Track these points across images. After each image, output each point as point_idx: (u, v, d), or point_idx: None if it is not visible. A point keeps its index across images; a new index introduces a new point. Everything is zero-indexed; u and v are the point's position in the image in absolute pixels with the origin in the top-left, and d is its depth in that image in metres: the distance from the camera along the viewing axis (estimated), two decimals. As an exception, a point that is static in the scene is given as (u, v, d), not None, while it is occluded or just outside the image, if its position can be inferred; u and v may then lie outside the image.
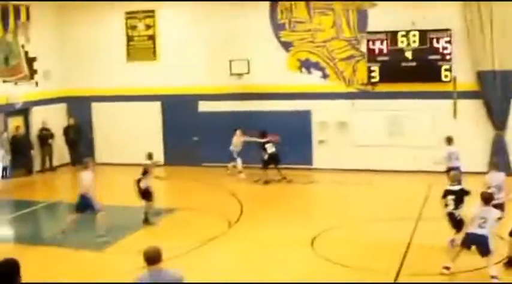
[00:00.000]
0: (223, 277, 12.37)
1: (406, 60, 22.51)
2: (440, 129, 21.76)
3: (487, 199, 11.97)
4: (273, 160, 21.92)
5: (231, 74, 23.99)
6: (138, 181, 16.94)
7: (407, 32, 22.35)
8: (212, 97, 24.64)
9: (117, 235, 15.56)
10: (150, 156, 18.12)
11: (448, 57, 22.10)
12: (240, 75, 23.94)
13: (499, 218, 12.56)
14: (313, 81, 23.72)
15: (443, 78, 22.18)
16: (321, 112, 23.57)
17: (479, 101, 22.15)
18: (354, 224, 16.35)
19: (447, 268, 12.13)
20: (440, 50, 22.18)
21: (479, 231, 11.74)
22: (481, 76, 21.98)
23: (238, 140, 22.76)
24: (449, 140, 18.45)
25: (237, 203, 18.39)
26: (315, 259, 13.63)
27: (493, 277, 11.68)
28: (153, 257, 7.89)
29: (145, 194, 16.94)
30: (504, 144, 21.94)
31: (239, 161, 22.59)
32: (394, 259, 13.30)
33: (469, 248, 11.99)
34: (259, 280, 12.06)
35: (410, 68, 22.46)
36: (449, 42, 22.06)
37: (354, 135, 23.25)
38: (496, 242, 12.40)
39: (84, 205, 15.42)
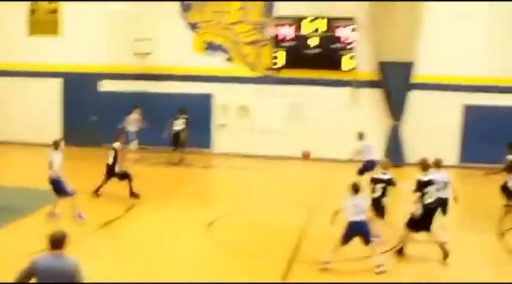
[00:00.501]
0: (114, 264, 12.04)
1: (311, 47, 22.59)
2: (340, 116, 21.98)
3: (356, 189, 12.06)
4: (175, 139, 21.59)
5: (135, 54, 23.49)
6: (112, 166, 16.47)
7: (314, 19, 22.39)
8: (115, 77, 24.10)
9: (9, 218, 14.77)
10: (118, 138, 17.25)
11: (351, 46, 22.28)
12: (144, 55, 23.48)
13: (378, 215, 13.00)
14: (217, 64, 23.51)
15: (345, 67, 22.38)
16: (223, 95, 23.43)
17: (379, 91, 22.44)
18: (251, 209, 16.29)
19: (327, 262, 12.08)
20: (344, 39, 22.34)
21: (358, 218, 11.81)
22: (382, 66, 22.27)
23: (133, 119, 22.22)
24: (360, 135, 18.52)
25: (136, 185, 17.94)
26: (210, 244, 13.46)
27: (379, 266, 11.80)
28: (56, 241, 7.46)
29: (124, 176, 16.54)
30: (399, 134, 22.29)
31: (134, 142, 22.08)
32: (288, 245, 13.32)
33: (352, 238, 11.99)
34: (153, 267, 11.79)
35: (314, 55, 22.61)
36: (353, 31, 22.23)
37: (255, 120, 23.22)
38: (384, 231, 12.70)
39: (54, 190, 14.54)
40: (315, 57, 22.55)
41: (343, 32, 22.38)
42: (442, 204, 12.97)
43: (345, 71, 22.44)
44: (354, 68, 22.41)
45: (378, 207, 13.21)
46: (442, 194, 13.00)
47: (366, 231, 11.74)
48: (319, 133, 22.49)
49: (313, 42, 22.56)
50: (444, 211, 13.45)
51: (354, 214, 11.74)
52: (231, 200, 17.35)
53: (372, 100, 22.64)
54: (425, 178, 12.58)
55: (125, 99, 23.35)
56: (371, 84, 22.54)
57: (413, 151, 21.66)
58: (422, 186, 12.44)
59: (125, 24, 23.69)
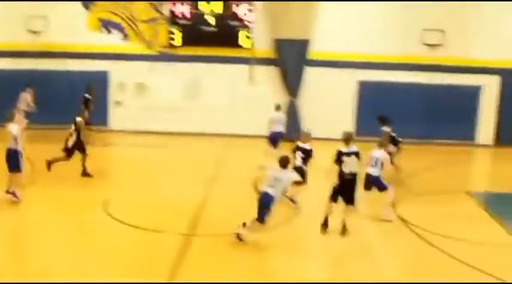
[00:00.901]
0: (10, 245, 11.70)
1: (208, 24, 22.59)
2: (237, 93, 22.13)
3: (283, 162, 12.21)
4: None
5: (28, 31, 22.79)
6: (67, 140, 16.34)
7: (211, -5, 22.44)
8: (7, 54, 23.25)
9: None
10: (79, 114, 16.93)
11: (248, 24, 22.44)
12: (37, 32, 22.82)
13: (298, 182, 13.18)
14: (113, 41, 23.11)
15: (242, 44, 22.52)
16: (119, 73, 23.10)
17: (276, 68, 22.72)
18: (149, 186, 16.14)
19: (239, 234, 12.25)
20: (241, 16, 22.46)
21: (270, 191, 11.99)
22: (278, 44, 22.53)
23: (25, 98, 21.50)
24: (277, 107, 19.03)
25: (28, 165, 17.39)
26: (109, 222, 13.23)
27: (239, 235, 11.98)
28: None
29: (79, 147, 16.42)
30: (297, 110, 22.65)
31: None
32: (185, 220, 13.30)
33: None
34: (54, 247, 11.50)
35: (211, 32, 22.64)
36: (250, 9, 22.38)
37: (152, 97, 23.00)
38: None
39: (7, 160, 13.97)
40: (212, 35, 22.59)
41: (240, 10, 22.51)
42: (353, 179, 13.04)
43: (242, 48, 22.59)
44: (251, 46, 22.59)
45: (300, 174, 13.51)
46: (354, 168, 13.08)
47: (266, 203, 11.88)
48: (216, 109, 22.59)
49: (210, 19, 22.57)
50: (380, 188, 13.82)
51: (267, 186, 11.94)
52: (128, 177, 17.14)
53: (269, 77, 22.90)
54: (345, 150, 12.89)
55: (17, 78, 22.57)
56: (268, 61, 22.80)
57: (310, 126, 22.01)
58: (340, 156, 12.77)
59: (18, 1, 22.92)
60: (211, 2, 22.47)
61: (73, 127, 16.47)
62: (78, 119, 16.59)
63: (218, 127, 22.50)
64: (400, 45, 22.88)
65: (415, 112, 22.80)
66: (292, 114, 22.60)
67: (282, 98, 22.62)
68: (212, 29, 22.58)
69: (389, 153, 16.42)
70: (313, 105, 22.37)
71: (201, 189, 15.76)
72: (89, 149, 16.79)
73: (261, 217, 11.81)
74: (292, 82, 22.70)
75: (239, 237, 11.87)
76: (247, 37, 22.52)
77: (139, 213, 13.86)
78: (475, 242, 12.69)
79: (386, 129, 17.14)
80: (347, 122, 22.47)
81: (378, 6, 22.62)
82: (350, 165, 12.77)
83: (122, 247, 11.74)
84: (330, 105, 22.69)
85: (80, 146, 16.53)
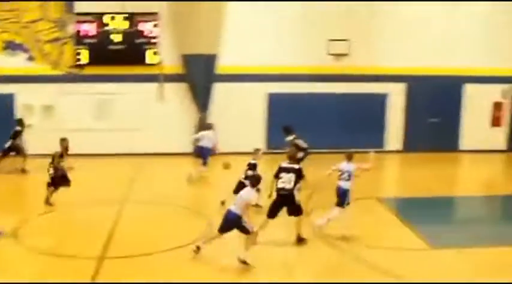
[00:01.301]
0: None
1: (114, 43, 22.40)
2: (147, 112, 22.06)
3: (254, 181, 12.39)
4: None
5: None
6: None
7: (115, 14, 22.19)
8: None
9: None
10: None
11: (154, 40, 22.37)
12: None
13: (256, 205, 13.30)
14: (18, 63, 22.57)
15: (150, 61, 22.47)
16: (26, 95, 22.53)
17: (184, 84, 22.73)
18: (60, 210, 15.90)
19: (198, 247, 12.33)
20: (147, 33, 22.37)
21: (233, 208, 12.11)
22: (186, 59, 22.54)
23: None
24: (208, 126, 19.73)
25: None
26: (19, 250, 12.93)
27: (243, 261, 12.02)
28: None
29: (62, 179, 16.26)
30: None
31: None
32: (100, 242, 13.18)
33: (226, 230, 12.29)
34: None
35: (118, 51, 22.46)
36: (156, 25, 22.30)
37: (61, 119, 22.58)
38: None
39: None
40: (119, 53, 22.38)
41: (146, 27, 22.39)
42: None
43: (149, 66, 22.48)
44: (158, 62, 22.51)
45: (241, 187, 13.71)
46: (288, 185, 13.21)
47: (231, 222, 12.03)
48: (128, 129, 22.39)
49: (117, 38, 22.38)
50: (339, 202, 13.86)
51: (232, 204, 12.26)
52: (39, 202, 16.62)
53: (179, 93, 22.86)
54: (284, 165, 13.24)
55: None
56: (176, 77, 22.73)
57: (222, 141, 22.15)
58: (279, 171, 13.18)
59: None
60: (117, 19, 22.27)
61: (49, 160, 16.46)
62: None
63: (130, 147, 22.29)
64: (308, 56, 23.21)
65: (326, 122, 23.17)
66: (203, 130, 22.58)
67: (193, 114, 22.66)
68: (119, 46, 22.38)
69: (299, 160, 16.95)
70: (223, 119, 22.33)
71: (114, 209, 15.63)
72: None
73: (246, 231, 11.98)
74: (201, 98, 22.71)
75: (243, 262, 11.89)
76: (155, 53, 22.42)
77: (51, 239, 13.66)
78: (388, 248, 13.12)
79: (289, 138, 17.60)
80: (258, 135, 22.64)
81: (284, 19, 22.87)
82: (285, 181, 12.99)
83: (34, 275, 11.48)
84: (240, 119, 22.84)
85: None
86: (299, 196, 13.49)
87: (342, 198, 13.75)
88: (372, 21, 23.38)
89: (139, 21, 22.37)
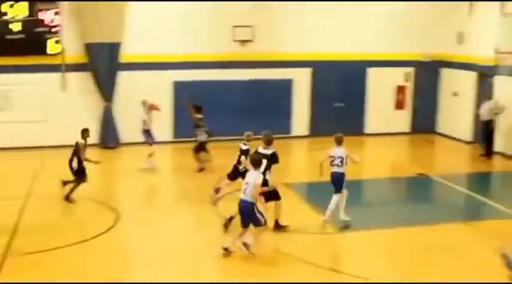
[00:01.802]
0: None
1: (13, 32, 21.62)
2: (50, 102, 21.58)
3: (256, 162, 12.30)
4: None
5: None
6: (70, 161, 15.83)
7: (15, 2, 21.42)
8: None
9: None
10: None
11: (55, 29, 21.78)
12: None
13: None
14: None
15: (51, 51, 21.86)
16: None
17: (88, 73, 22.29)
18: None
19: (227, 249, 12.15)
20: (48, 22, 21.75)
21: (243, 197, 12.01)
22: (89, 48, 22.09)
23: None
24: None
25: None
26: None
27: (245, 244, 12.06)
28: None
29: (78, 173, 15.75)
30: (112, 115, 22.38)
31: None
32: (2, 240, 12.80)
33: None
34: None
35: (17, 40, 21.66)
36: (57, 14, 21.72)
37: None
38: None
39: None
40: (18, 43, 21.57)
41: (46, 15, 21.73)
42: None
43: (51, 55, 21.87)
44: (60, 52, 21.94)
45: (236, 172, 14.60)
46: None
47: (246, 211, 12.00)
48: (31, 120, 21.72)
49: (16, 27, 21.61)
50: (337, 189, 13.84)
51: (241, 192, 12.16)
52: None
53: (82, 83, 22.40)
54: (263, 151, 13.21)
55: None
56: (80, 67, 22.24)
57: (127, 131, 21.95)
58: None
59: None
60: (16, 7, 21.48)
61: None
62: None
63: (33, 140, 21.62)
64: (213, 43, 23.13)
65: (233, 108, 23.15)
66: (108, 120, 22.30)
67: (97, 104, 22.27)
68: (18, 36, 21.61)
69: (202, 143, 17.22)
70: (129, 109, 21.96)
71: (14, 206, 15.19)
72: None
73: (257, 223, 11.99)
74: (105, 87, 22.31)
75: (249, 251, 11.99)
76: (56, 42, 21.84)
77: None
78: (294, 231, 13.53)
79: (198, 115, 18.66)
80: (165, 124, 22.45)
81: (189, 6, 22.67)
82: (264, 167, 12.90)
83: None
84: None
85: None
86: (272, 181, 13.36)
87: (339, 183, 13.82)
88: (276, 7, 23.47)
89: (40, 10, 21.69)
